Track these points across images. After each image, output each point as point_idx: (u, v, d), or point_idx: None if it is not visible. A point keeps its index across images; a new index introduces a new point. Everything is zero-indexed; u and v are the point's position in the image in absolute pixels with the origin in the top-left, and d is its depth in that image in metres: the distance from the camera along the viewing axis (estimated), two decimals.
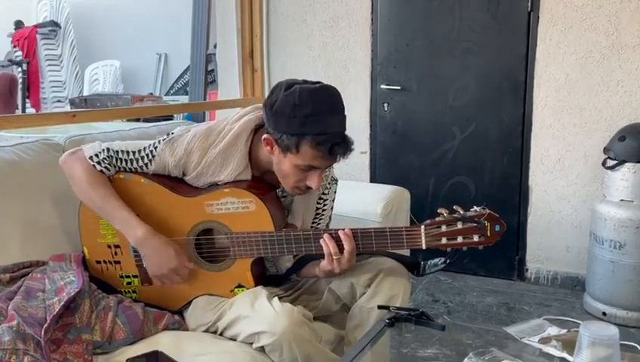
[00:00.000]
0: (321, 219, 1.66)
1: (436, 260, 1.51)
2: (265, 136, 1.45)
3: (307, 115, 1.36)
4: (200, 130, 1.52)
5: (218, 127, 1.53)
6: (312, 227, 1.64)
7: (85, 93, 6.37)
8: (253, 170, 1.53)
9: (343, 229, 1.45)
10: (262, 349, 1.38)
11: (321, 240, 1.45)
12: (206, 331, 1.51)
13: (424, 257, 1.59)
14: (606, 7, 2.85)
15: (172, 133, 1.54)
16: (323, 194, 1.65)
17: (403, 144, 3.41)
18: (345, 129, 1.44)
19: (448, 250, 1.42)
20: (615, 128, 2.84)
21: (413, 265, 1.59)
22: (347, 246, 1.43)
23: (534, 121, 3.09)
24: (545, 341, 1.27)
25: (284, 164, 1.44)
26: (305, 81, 1.44)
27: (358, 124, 3.45)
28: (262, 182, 1.56)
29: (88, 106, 4.53)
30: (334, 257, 1.44)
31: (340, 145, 1.39)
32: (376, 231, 1.45)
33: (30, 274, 1.49)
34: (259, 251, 1.49)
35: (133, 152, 1.52)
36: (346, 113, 1.44)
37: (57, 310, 1.33)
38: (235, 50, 3.44)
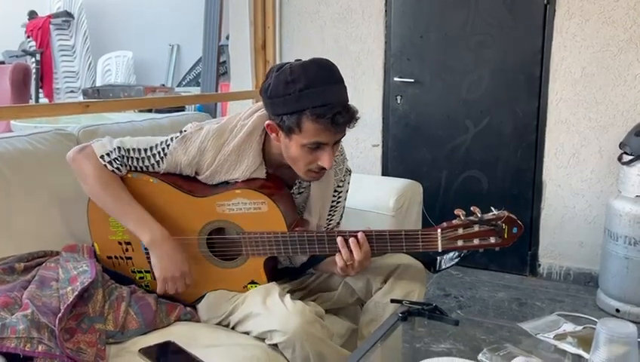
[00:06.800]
0: (335, 212, 1.65)
1: (451, 254, 1.50)
2: (267, 122, 1.40)
3: (301, 89, 1.30)
4: (213, 128, 1.48)
5: (230, 124, 1.49)
6: (327, 219, 1.63)
7: (98, 83, 6.39)
8: (268, 166, 1.50)
9: (356, 234, 1.40)
10: (275, 345, 1.38)
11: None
12: (218, 324, 1.51)
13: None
14: None
15: (184, 131, 1.50)
16: (338, 187, 1.62)
17: (416, 137, 3.39)
18: (346, 98, 1.36)
19: (465, 252, 1.41)
20: (631, 123, 2.80)
21: (430, 261, 1.58)
22: (356, 255, 1.39)
23: (549, 115, 3.05)
24: (560, 337, 1.25)
25: (291, 148, 1.39)
26: (297, 60, 1.38)
27: (370, 116, 3.42)
28: (275, 180, 1.52)
29: (101, 97, 4.54)
30: (347, 263, 1.41)
31: (341, 114, 1.31)
32: (391, 233, 1.41)
33: (44, 264, 1.49)
34: (272, 251, 1.47)
35: (145, 150, 1.48)
36: (345, 84, 1.37)
37: (71, 299, 1.33)
38: (247, 41, 3.43)
